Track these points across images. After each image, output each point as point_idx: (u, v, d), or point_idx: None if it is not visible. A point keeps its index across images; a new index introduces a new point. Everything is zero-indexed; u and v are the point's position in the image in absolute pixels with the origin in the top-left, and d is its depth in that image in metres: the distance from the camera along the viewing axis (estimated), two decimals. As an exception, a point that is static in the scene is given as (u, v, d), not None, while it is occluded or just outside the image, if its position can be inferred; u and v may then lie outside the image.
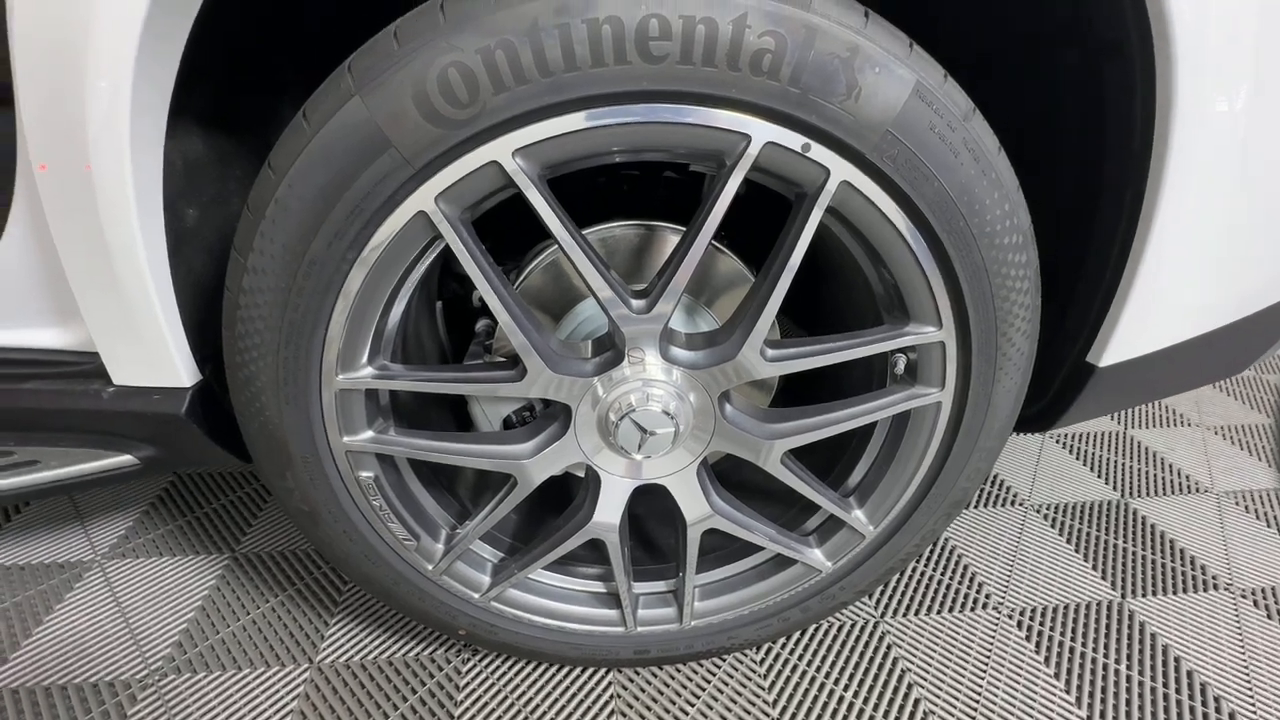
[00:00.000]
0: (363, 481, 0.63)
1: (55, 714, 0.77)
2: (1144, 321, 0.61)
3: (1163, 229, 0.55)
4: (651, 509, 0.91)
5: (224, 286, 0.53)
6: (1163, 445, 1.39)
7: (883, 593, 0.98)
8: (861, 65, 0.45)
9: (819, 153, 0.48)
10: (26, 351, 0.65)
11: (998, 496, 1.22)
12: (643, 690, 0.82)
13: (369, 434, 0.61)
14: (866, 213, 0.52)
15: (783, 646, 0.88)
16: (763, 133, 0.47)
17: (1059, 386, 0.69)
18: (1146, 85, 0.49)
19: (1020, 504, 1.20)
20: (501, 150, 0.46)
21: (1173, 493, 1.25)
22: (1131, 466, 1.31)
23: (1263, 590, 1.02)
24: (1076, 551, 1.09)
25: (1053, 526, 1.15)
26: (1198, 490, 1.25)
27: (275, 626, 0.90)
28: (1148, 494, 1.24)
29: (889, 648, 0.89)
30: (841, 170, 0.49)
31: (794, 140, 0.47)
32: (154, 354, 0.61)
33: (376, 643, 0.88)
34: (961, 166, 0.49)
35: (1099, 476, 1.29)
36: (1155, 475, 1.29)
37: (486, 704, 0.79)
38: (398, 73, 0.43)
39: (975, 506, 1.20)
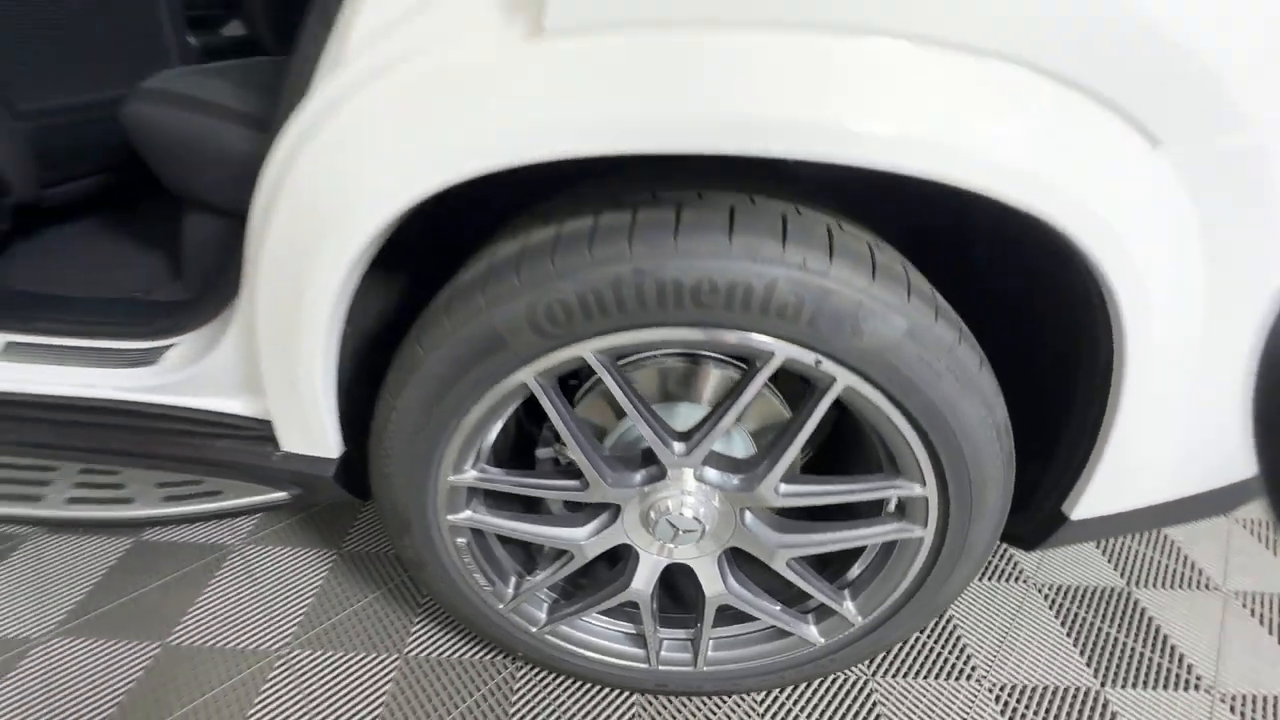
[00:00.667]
0: (458, 545, 0.82)
1: (217, 670, 1.02)
2: (1109, 491, 0.72)
3: (1123, 423, 0.65)
4: (681, 565, 1.07)
5: (373, 417, 0.72)
6: (1184, 536, 1.43)
7: (877, 654, 1.12)
8: (864, 316, 0.57)
9: (828, 365, 0.61)
10: (223, 415, 0.87)
11: (1004, 571, 1.32)
12: (660, 713, 1.00)
13: (467, 513, 0.80)
14: (865, 405, 0.65)
15: (781, 692, 1.04)
16: (784, 350, 0.61)
17: (1036, 527, 0.80)
18: (1106, 323, 0.60)
19: (1024, 581, 1.30)
20: (586, 349, 0.62)
21: (1181, 587, 1.30)
22: (1147, 555, 1.37)
23: (1243, 697, 1.09)
24: (1068, 635, 1.19)
25: (1051, 607, 1.24)
26: (1207, 587, 1.31)
27: (373, 618, 1.13)
28: (1155, 585, 1.30)
29: (875, 705, 1.04)
30: (845, 378, 0.62)
31: (808, 357, 0.61)
32: (314, 433, 0.81)
33: (450, 643, 1.09)
34: (945, 384, 0.61)
35: (1109, 562, 1.36)
36: (1168, 567, 1.35)
37: (534, 708, 1.00)
38: (517, 301, 0.59)
39: (980, 579, 1.30)
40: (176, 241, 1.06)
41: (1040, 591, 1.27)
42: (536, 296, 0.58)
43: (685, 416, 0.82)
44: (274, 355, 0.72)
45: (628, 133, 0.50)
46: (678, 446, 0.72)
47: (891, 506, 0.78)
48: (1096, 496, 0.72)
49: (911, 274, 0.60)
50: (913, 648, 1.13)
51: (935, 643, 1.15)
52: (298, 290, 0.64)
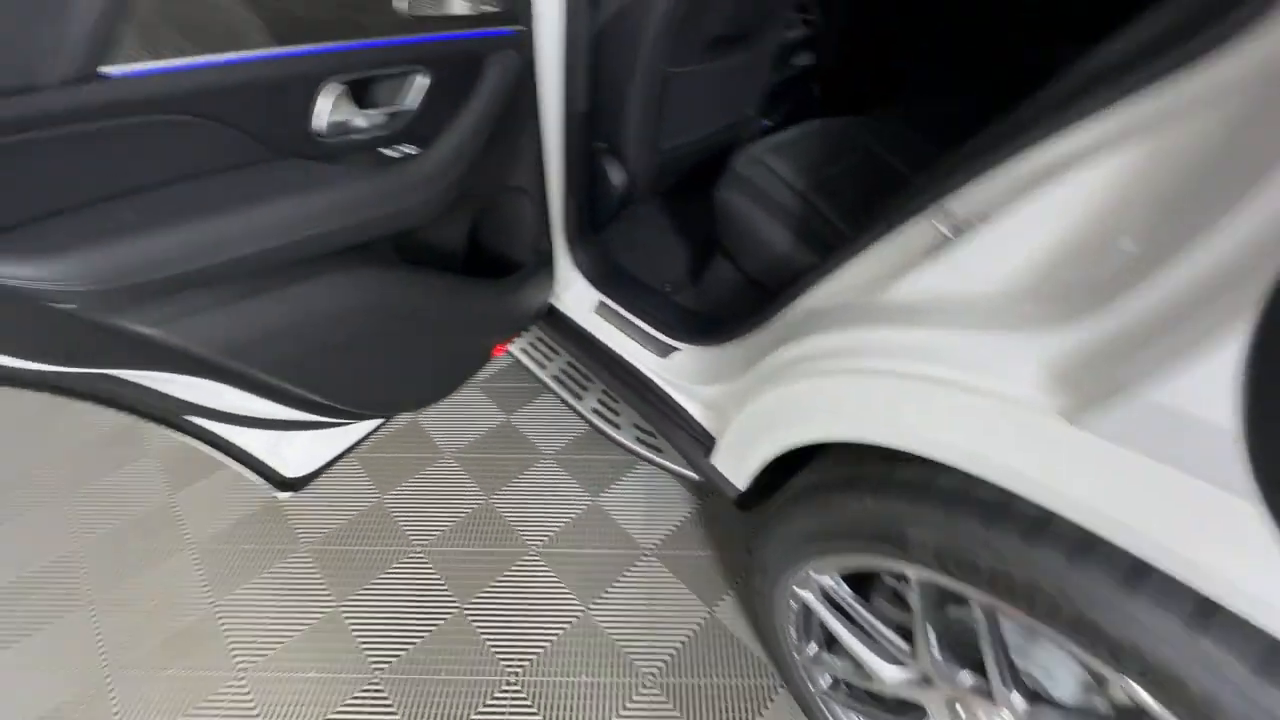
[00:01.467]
0: (790, 605, 1.04)
1: (615, 538, 1.53)
2: None
3: None
4: None
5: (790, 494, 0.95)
6: None
7: None
8: None
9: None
10: (691, 416, 1.23)
11: None
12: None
13: (808, 594, 1.00)
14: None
15: None
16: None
17: None
18: None
19: None
20: (971, 594, 0.70)
21: None
22: None
23: None
24: None
25: None
26: None
27: (706, 571, 1.47)
28: None
29: None
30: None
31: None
32: (736, 470, 1.10)
33: (744, 628, 1.36)
34: None
35: None
36: None
37: (780, 727, 1.22)
38: (934, 532, 0.69)
39: None
40: (704, 259, 1.44)
41: None
42: (951, 541, 0.68)
43: (1045, 660, 0.81)
44: (741, 435, 1.00)
45: (1118, 526, 0.53)
46: (1017, 701, 0.75)
47: None
48: None
49: None
50: None
51: None
52: (801, 432, 0.86)
